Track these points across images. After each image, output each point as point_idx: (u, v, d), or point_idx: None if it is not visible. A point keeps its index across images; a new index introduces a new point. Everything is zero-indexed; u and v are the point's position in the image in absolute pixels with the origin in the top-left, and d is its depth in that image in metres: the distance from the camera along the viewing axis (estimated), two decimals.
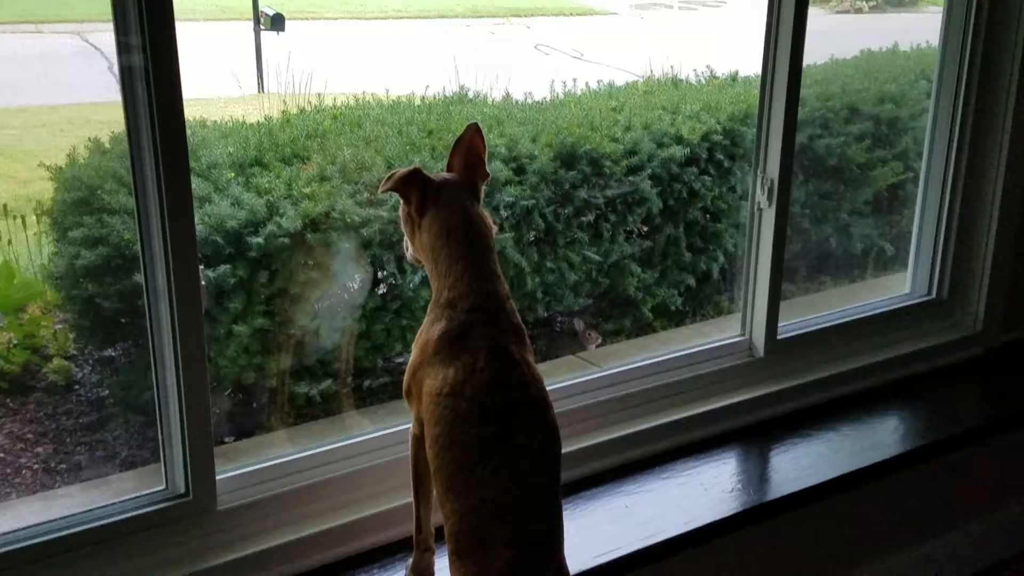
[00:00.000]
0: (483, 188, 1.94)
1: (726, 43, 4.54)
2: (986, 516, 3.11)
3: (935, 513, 2.96)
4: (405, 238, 1.96)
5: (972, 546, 3.07)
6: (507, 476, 1.70)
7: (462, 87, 3.34)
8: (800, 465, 2.52)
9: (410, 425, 1.90)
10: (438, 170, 1.94)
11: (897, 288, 3.24)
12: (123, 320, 2.62)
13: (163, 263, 1.86)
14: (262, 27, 3.41)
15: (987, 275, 3.09)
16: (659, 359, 2.64)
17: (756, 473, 2.53)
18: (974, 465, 2.96)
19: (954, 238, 3.09)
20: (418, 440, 1.86)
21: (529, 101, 3.40)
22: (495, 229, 1.91)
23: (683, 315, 3.54)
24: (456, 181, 1.88)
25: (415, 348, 1.86)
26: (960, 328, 3.17)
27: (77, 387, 2.82)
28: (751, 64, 3.73)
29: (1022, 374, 3.14)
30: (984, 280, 3.10)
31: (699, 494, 2.37)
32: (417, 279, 2.81)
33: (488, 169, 1.93)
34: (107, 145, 2.59)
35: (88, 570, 1.88)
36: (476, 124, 1.90)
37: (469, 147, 1.90)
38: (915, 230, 3.15)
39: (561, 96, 3.46)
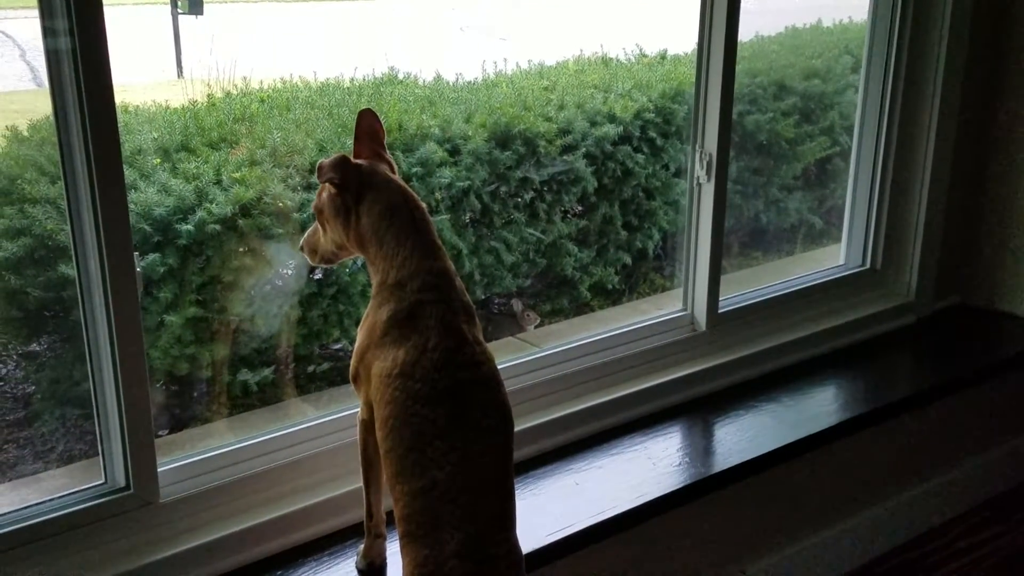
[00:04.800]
0: None
1: (645, 23, 4.55)
2: (926, 480, 3.17)
3: (877, 479, 3.01)
4: (310, 236, 1.92)
5: (913, 510, 3.13)
6: (459, 457, 1.67)
7: (391, 68, 3.29)
8: (744, 436, 2.54)
9: (357, 410, 1.87)
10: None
11: (826, 262, 3.29)
12: (48, 313, 2.53)
13: (96, 250, 1.80)
14: (180, 10, 3.31)
15: (919, 245, 3.15)
16: (604, 336, 2.64)
17: (701, 446, 2.55)
18: (911, 431, 3.02)
19: (886, 209, 3.13)
20: (366, 425, 1.83)
21: (460, 82, 3.36)
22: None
23: (620, 293, 3.55)
24: (379, 165, 1.84)
25: (361, 332, 1.82)
26: (893, 297, 3.22)
27: (1, 383, 2.72)
28: (677, 42, 3.75)
29: (953, 341, 3.21)
30: (916, 250, 3.16)
31: (647, 469, 2.38)
32: (357, 265, 2.77)
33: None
34: (25, 133, 2.50)
35: (27, 569, 1.81)
36: (370, 110, 1.86)
37: (371, 134, 1.86)
38: (848, 202, 3.19)
39: (492, 76, 3.42)
